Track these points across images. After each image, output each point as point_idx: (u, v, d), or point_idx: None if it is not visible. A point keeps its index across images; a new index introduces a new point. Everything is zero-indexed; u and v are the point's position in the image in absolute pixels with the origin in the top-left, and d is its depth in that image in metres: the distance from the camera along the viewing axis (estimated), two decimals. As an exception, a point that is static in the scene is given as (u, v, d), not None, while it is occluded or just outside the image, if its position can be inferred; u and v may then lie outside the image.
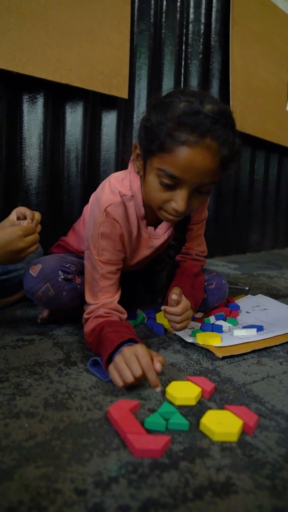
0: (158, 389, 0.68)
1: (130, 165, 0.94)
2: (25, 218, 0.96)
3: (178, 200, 0.79)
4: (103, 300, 0.90)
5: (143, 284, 1.20)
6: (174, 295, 0.89)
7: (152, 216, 0.94)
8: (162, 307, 0.92)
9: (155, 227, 0.98)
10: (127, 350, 0.71)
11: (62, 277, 0.95)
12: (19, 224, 0.92)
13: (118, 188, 0.91)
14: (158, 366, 0.69)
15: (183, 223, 1.01)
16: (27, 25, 1.35)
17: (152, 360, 0.70)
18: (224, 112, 0.75)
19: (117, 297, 0.93)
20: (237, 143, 0.78)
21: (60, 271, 0.95)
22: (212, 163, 0.75)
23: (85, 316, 0.91)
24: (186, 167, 0.74)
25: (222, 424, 0.61)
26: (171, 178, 0.77)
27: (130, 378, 0.68)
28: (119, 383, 0.69)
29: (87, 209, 1.10)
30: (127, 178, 0.92)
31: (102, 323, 0.84)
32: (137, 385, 0.74)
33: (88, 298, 0.93)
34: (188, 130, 0.72)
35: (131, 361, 0.69)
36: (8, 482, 0.49)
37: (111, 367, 0.71)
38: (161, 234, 0.99)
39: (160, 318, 1.10)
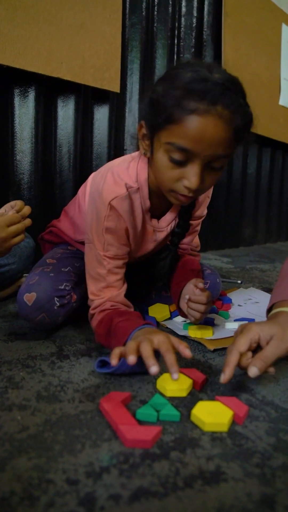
0: (176, 376, 0.63)
1: (135, 153, 0.90)
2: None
3: (190, 177, 0.73)
4: (108, 295, 0.87)
5: (145, 273, 1.17)
6: (201, 284, 0.90)
7: (156, 208, 0.92)
8: (187, 296, 0.92)
9: (158, 219, 0.96)
10: (143, 337, 0.67)
11: (58, 304, 0.90)
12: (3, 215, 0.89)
13: (123, 178, 0.85)
14: (187, 352, 0.66)
15: (187, 210, 0.97)
16: (17, 18, 1.33)
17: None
18: (234, 79, 0.71)
19: (123, 290, 0.90)
20: (249, 111, 0.73)
21: (55, 299, 0.90)
22: (225, 132, 0.70)
23: (90, 312, 0.88)
24: (198, 138, 0.69)
25: (213, 414, 0.62)
26: (181, 152, 0.71)
27: (152, 361, 0.63)
28: (131, 358, 0.63)
29: (82, 193, 1.06)
30: (134, 167, 0.87)
31: (110, 313, 0.82)
32: (128, 377, 0.75)
33: (91, 294, 0.89)
34: (197, 98, 0.67)
35: (144, 344, 0.64)
36: (0, 473, 0.50)
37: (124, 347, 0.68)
38: (164, 227, 0.96)
39: (152, 312, 1.10)
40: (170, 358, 0.64)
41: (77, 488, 0.48)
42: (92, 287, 0.89)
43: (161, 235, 0.97)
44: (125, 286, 0.91)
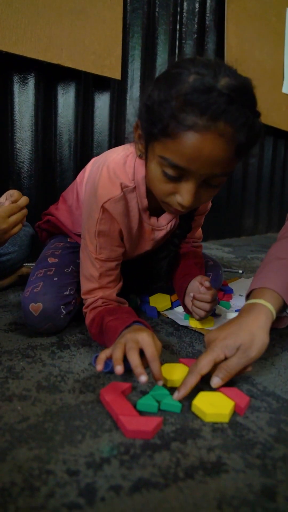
0: (161, 383, 0.63)
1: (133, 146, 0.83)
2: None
3: (183, 194, 0.68)
4: (101, 294, 0.85)
5: (142, 271, 1.16)
6: (207, 282, 0.88)
7: (155, 206, 0.84)
8: (191, 294, 0.91)
9: (158, 216, 0.91)
10: (130, 336, 0.66)
11: (65, 312, 0.88)
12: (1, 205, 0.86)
13: (119, 176, 0.80)
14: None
15: (189, 212, 0.91)
16: (16, 2, 1.30)
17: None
18: (244, 87, 0.62)
19: (116, 289, 0.88)
20: (258, 125, 0.65)
21: (62, 307, 0.87)
22: (225, 152, 0.63)
23: (83, 310, 0.87)
24: (193, 157, 0.62)
25: (214, 405, 0.61)
26: (175, 169, 0.65)
27: (119, 362, 0.62)
28: (99, 364, 0.63)
29: (80, 179, 1.02)
30: (131, 163, 0.81)
31: (102, 311, 0.81)
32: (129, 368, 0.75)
33: (84, 293, 0.87)
34: (196, 112, 0.59)
35: (132, 349, 0.63)
36: (0, 464, 0.49)
37: (108, 349, 0.67)
38: (164, 225, 0.91)
39: (154, 302, 1.10)
40: (154, 367, 0.63)
41: (77, 479, 0.48)
42: (85, 286, 0.87)
43: (160, 234, 0.93)
44: (120, 284, 0.89)
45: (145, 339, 0.65)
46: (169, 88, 0.63)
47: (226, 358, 0.67)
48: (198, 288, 0.91)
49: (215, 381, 0.66)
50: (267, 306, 0.70)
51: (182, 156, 0.63)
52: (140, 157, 0.77)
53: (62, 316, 0.88)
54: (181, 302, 0.99)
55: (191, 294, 0.91)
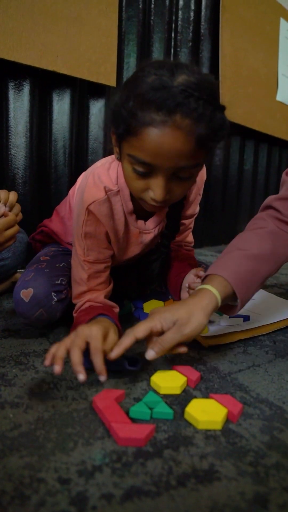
0: (103, 378, 0.63)
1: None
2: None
3: (154, 189, 0.70)
4: (88, 297, 0.87)
5: (135, 275, 1.17)
6: (201, 272, 0.90)
7: (142, 209, 0.86)
8: (187, 284, 0.92)
9: (146, 220, 0.93)
10: (80, 328, 0.68)
11: (56, 299, 0.89)
12: None
13: (103, 181, 0.84)
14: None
15: (176, 210, 0.95)
16: (11, 9, 1.31)
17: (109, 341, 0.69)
18: (201, 82, 0.64)
19: (104, 292, 0.89)
20: (219, 118, 0.66)
21: (53, 293, 0.89)
22: (185, 144, 0.65)
23: (73, 314, 0.88)
24: (155, 152, 0.65)
25: (207, 412, 0.61)
26: (142, 165, 0.68)
27: (58, 359, 0.62)
28: (47, 359, 0.63)
29: (72, 193, 1.05)
30: (114, 169, 0.85)
31: (81, 311, 0.84)
32: (122, 374, 0.74)
33: (74, 298, 0.89)
34: (153, 108, 0.62)
35: (74, 345, 0.64)
36: (-9, 472, 0.49)
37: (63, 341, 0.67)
38: (151, 228, 0.93)
39: (148, 308, 1.09)
40: (95, 362, 0.64)
41: (68, 487, 0.47)
42: (75, 291, 0.89)
43: (148, 237, 0.94)
44: (110, 287, 0.91)
45: (93, 332, 0.66)
46: (130, 90, 0.66)
47: (163, 332, 0.69)
48: (194, 279, 0.92)
49: (150, 354, 0.68)
50: (213, 291, 0.73)
51: (146, 152, 0.66)
52: (118, 160, 0.78)
53: (53, 303, 0.88)
54: (178, 298, 1.00)
55: (187, 285, 0.92)
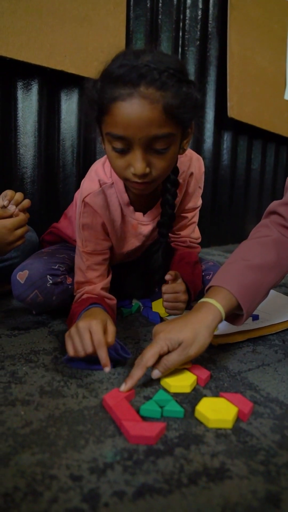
0: (107, 369, 0.68)
1: None
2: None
3: (133, 163, 0.72)
4: (86, 289, 0.90)
5: (140, 272, 1.17)
6: (168, 275, 0.90)
7: (140, 202, 0.92)
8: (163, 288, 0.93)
9: (144, 213, 0.94)
10: (81, 323, 0.72)
11: (51, 281, 0.93)
12: (5, 211, 0.86)
13: (99, 174, 0.88)
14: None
15: (168, 198, 0.91)
16: (20, 9, 1.32)
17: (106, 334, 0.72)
18: (166, 60, 0.68)
19: (101, 284, 0.91)
20: (185, 89, 0.69)
21: (48, 276, 0.92)
22: (152, 112, 0.67)
23: (72, 305, 0.91)
24: (126, 123, 0.68)
25: (217, 411, 0.61)
26: (118, 140, 0.70)
27: (81, 353, 0.69)
28: (71, 352, 0.70)
29: (78, 195, 1.09)
30: (109, 163, 0.85)
31: (77, 302, 0.87)
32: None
33: (75, 290, 0.94)
34: (119, 84, 0.67)
35: (84, 336, 0.70)
36: (3, 469, 0.49)
37: (66, 336, 0.73)
38: (149, 220, 0.95)
39: (156, 307, 1.10)
40: (100, 354, 0.69)
41: (80, 484, 0.47)
42: (75, 281, 0.94)
43: (146, 229, 0.96)
44: (107, 280, 0.94)
45: (93, 327, 0.70)
46: (100, 75, 0.72)
47: (169, 351, 0.69)
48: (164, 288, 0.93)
49: (155, 373, 0.70)
50: (217, 307, 0.72)
51: (118, 126, 0.69)
52: (104, 147, 0.80)
53: (48, 285, 0.92)
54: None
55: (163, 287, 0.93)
